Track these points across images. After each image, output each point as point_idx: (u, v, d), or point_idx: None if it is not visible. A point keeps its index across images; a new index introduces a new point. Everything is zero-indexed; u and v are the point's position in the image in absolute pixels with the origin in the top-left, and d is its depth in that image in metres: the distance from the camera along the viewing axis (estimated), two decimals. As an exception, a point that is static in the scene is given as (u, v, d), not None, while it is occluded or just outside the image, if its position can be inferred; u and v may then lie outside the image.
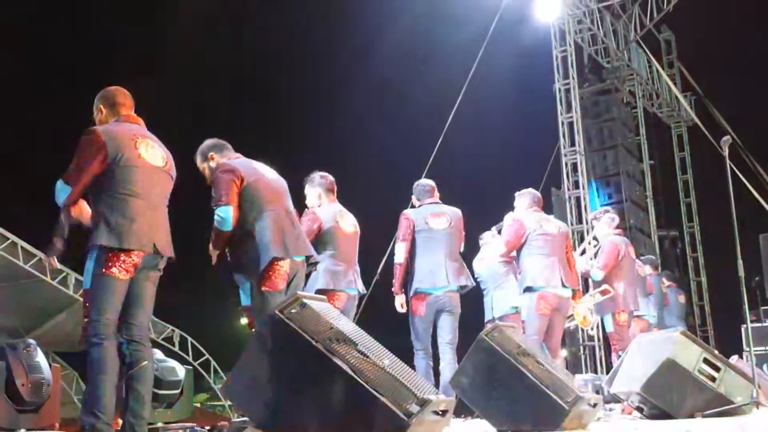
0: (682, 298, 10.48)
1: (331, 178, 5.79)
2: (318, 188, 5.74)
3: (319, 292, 5.25)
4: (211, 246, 4.55)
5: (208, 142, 4.80)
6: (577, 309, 6.79)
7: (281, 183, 4.78)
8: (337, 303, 5.38)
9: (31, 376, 5.09)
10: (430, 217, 6.15)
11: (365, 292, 5.75)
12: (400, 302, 6.12)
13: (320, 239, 5.49)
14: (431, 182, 6.44)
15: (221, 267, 4.58)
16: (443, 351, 6.14)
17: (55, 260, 5.24)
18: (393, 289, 6.12)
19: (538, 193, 6.74)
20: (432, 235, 6.11)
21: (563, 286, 6.25)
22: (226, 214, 4.42)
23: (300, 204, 5.42)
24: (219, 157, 4.71)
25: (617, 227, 7.58)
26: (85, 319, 3.75)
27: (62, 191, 3.84)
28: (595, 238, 7.77)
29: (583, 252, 7.94)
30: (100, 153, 3.79)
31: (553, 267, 6.25)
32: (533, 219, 6.43)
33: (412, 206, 6.42)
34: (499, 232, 6.87)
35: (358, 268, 5.73)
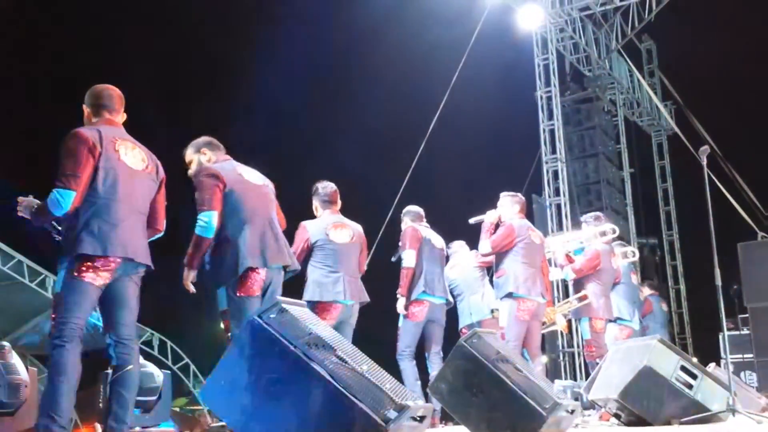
0: (664, 306, 10.55)
1: (331, 188, 5.78)
2: (315, 200, 5.77)
3: (310, 303, 5.35)
4: (188, 258, 4.43)
5: (204, 138, 4.79)
6: (555, 317, 6.86)
7: (266, 189, 4.74)
8: (330, 314, 5.44)
9: (8, 377, 5.05)
10: (431, 237, 6.50)
11: (365, 300, 5.69)
12: (404, 304, 6.24)
13: (310, 252, 5.54)
14: (421, 209, 6.70)
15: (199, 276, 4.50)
16: (432, 360, 6.40)
17: None
18: (399, 291, 6.24)
19: (525, 200, 6.87)
20: (433, 249, 6.46)
21: (542, 296, 6.41)
22: (209, 220, 4.38)
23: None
24: (211, 155, 4.69)
25: (603, 234, 7.62)
26: (52, 322, 3.69)
27: (66, 197, 3.66)
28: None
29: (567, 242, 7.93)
30: (91, 154, 3.72)
31: (534, 277, 6.39)
32: (522, 227, 6.52)
33: None
34: (478, 225, 6.83)
35: (356, 279, 5.69)
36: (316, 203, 5.76)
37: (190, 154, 4.77)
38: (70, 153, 3.72)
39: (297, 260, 5.30)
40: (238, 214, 4.45)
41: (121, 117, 4.05)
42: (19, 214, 3.82)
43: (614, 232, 7.70)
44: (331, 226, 5.61)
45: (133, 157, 3.91)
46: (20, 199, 3.82)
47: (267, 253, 4.44)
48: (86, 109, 4.00)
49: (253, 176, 4.69)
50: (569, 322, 7.83)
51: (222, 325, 4.60)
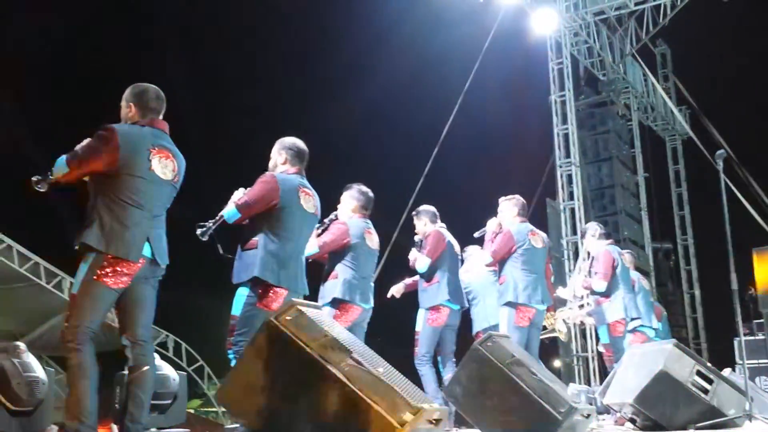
0: None
1: (370, 194, 5.85)
2: (355, 201, 5.79)
3: (335, 300, 5.43)
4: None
5: (292, 140, 4.84)
6: (556, 323, 6.85)
7: (312, 219, 4.82)
8: (347, 315, 5.51)
9: (26, 375, 5.07)
10: (451, 239, 6.50)
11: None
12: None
13: (345, 251, 5.59)
14: (434, 208, 6.66)
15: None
16: (445, 363, 6.43)
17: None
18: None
19: (524, 201, 6.78)
20: (454, 255, 6.50)
21: (542, 301, 6.38)
22: (233, 217, 4.54)
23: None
24: (287, 158, 4.76)
25: (608, 237, 7.62)
26: (66, 324, 3.72)
27: (60, 168, 3.78)
28: (588, 254, 7.79)
29: (580, 270, 7.94)
30: (109, 156, 3.74)
31: (536, 284, 6.38)
32: (522, 232, 6.47)
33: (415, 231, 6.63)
34: (481, 238, 6.89)
35: (372, 284, 5.81)
36: (355, 204, 5.77)
37: (275, 150, 4.84)
38: (94, 142, 3.78)
39: (326, 250, 5.49)
40: (278, 229, 4.54)
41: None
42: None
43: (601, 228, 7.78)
44: (365, 231, 5.72)
45: (164, 167, 3.92)
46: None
47: (282, 273, 4.50)
48: (133, 108, 3.96)
49: (308, 203, 4.75)
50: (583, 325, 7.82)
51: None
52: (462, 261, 7.13)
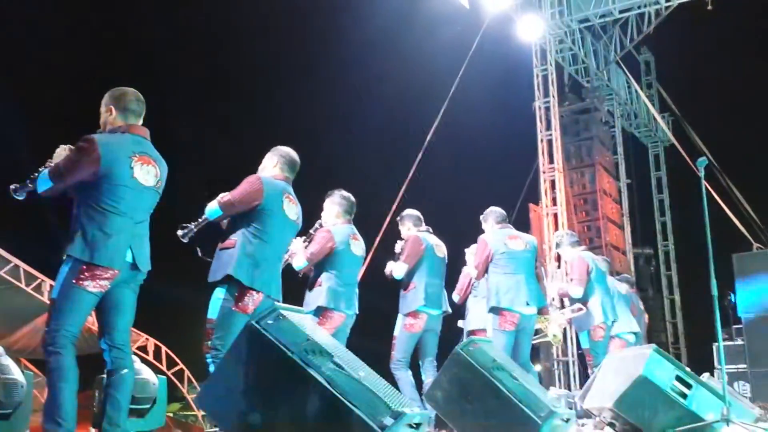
0: None
1: (352, 199, 5.84)
2: (337, 207, 5.78)
3: (319, 308, 5.43)
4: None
5: (291, 153, 4.88)
6: (549, 328, 6.85)
7: (294, 226, 4.81)
8: (331, 322, 5.50)
9: (3, 377, 5.03)
10: (434, 245, 6.42)
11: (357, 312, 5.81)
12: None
13: (329, 258, 5.57)
14: (419, 213, 6.63)
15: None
16: (426, 369, 6.35)
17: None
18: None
19: (501, 209, 6.73)
20: (436, 260, 6.38)
21: (527, 304, 6.28)
22: (212, 216, 4.56)
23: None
24: (280, 166, 4.81)
25: (579, 244, 7.68)
26: (46, 328, 3.71)
27: (43, 183, 3.79)
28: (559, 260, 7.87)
29: (554, 277, 8.02)
30: (92, 166, 3.73)
31: (518, 286, 6.28)
32: (498, 237, 6.45)
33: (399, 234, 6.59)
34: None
35: (357, 290, 5.79)
36: (338, 210, 5.77)
37: (267, 155, 4.87)
38: (74, 154, 3.78)
39: (314, 261, 5.49)
40: (257, 231, 4.56)
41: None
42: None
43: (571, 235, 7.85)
44: (351, 237, 5.70)
45: (146, 173, 3.92)
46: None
47: (256, 274, 4.49)
48: (113, 111, 3.94)
49: (291, 210, 4.76)
50: (565, 330, 7.88)
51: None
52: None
